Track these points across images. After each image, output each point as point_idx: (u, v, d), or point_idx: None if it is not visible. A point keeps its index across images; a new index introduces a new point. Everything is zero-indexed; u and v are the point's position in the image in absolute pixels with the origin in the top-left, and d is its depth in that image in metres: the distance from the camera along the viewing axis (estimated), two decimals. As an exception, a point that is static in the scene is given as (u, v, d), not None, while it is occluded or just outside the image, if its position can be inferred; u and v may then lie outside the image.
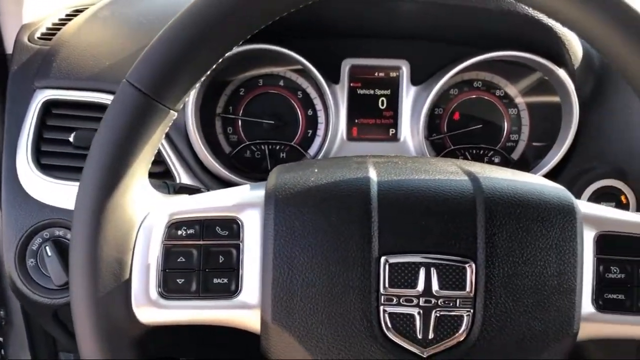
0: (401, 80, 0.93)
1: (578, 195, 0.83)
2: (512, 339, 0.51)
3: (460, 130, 0.94)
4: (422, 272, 0.50)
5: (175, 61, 0.50)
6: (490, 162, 0.95)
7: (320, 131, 0.93)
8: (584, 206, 0.55)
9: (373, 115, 0.94)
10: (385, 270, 0.50)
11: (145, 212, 0.53)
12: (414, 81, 0.93)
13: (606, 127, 0.85)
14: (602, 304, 0.54)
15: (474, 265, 0.50)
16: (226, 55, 0.53)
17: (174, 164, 0.85)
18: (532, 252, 0.51)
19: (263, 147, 0.93)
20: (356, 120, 0.94)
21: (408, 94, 0.93)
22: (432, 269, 0.50)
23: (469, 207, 0.52)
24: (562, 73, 0.84)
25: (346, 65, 0.92)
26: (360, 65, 0.92)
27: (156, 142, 0.53)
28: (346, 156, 0.65)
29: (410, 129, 0.93)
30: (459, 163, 0.59)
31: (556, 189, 0.55)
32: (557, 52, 0.84)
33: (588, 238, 0.54)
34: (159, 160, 0.86)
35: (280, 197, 0.52)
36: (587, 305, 0.53)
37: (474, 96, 0.95)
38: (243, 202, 0.54)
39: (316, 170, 0.55)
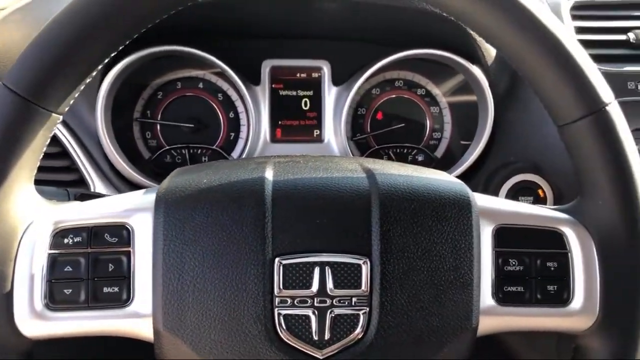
0: (323, 81, 0.92)
1: (496, 191, 0.84)
2: (410, 336, 0.50)
3: (383, 129, 0.94)
4: (316, 272, 0.49)
5: (52, 62, 0.48)
6: (414, 160, 0.96)
7: (243, 133, 0.92)
8: (482, 200, 0.55)
9: (296, 117, 0.93)
10: (279, 271, 0.49)
11: (29, 221, 0.51)
12: (335, 81, 0.92)
13: (522, 123, 0.86)
14: (502, 297, 0.54)
15: (369, 263, 0.50)
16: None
17: (88, 172, 0.82)
18: (427, 247, 0.51)
19: (184, 152, 0.91)
20: (280, 122, 0.93)
21: (330, 94, 0.92)
22: (326, 268, 0.49)
23: (364, 204, 0.51)
24: (476, 70, 0.85)
25: (267, 67, 0.91)
26: (281, 66, 0.92)
27: (39, 147, 0.50)
28: (250, 157, 0.64)
29: (333, 130, 0.92)
30: (361, 161, 0.58)
31: (453, 184, 0.55)
32: (471, 50, 0.85)
33: (487, 231, 0.54)
34: (72, 167, 0.83)
35: (170, 200, 0.51)
36: (487, 299, 0.53)
37: (395, 95, 0.95)
38: (133, 207, 0.52)
39: (211, 172, 0.54)
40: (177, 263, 0.49)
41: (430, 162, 0.95)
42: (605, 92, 0.52)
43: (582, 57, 0.51)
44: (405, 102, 0.95)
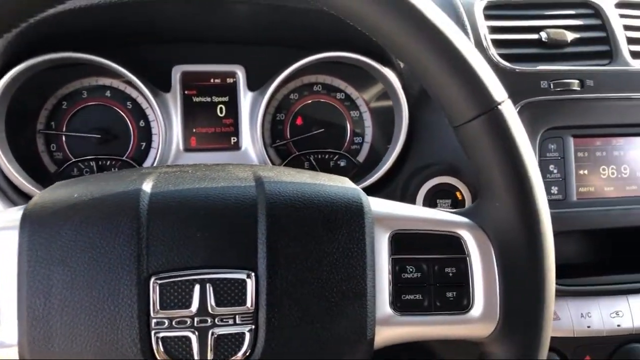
0: (238, 86, 0.89)
1: (414, 195, 0.83)
2: (301, 351, 0.48)
3: (303, 135, 0.92)
4: (196, 290, 0.46)
5: None
6: (336, 165, 0.93)
7: (155, 143, 0.88)
8: (378, 205, 0.53)
9: (212, 124, 0.90)
10: (156, 291, 0.46)
11: None
12: (251, 86, 0.89)
13: (437, 124, 0.85)
14: (400, 305, 0.52)
15: (254, 277, 0.47)
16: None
17: (-17, 188, 0.77)
18: (318, 257, 0.49)
19: (92, 164, 0.87)
20: (194, 130, 0.89)
21: (246, 100, 0.89)
22: (207, 285, 0.46)
23: (250, 214, 0.48)
24: (389, 73, 0.84)
25: (177, 72, 0.87)
26: (193, 72, 0.88)
27: None
28: (135, 168, 0.60)
29: (250, 136, 0.89)
30: (255, 169, 0.55)
31: (346, 190, 0.53)
32: (384, 52, 0.83)
33: (383, 238, 0.52)
34: (-34, 184, 0.77)
35: (36, 217, 0.47)
36: (385, 308, 0.51)
37: (314, 100, 0.93)
38: (-4, 226, 0.48)
39: (85, 185, 0.50)
40: (44, 286, 0.45)
41: (353, 167, 0.93)
42: (497, 91, 0.50)
43: (474, 57, 0.50)
44: (324, 106, 0.93)
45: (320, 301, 0.48)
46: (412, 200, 0.82)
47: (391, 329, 0.52)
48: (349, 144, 0.94)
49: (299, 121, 0.93)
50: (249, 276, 0.47)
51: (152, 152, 0.88)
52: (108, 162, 0.87)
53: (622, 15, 0.88)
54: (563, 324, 0.83)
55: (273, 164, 0.89)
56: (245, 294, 0.47)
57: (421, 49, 0.49)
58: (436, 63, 0.49)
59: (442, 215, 0.54)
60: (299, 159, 0.93)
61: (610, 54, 0.86)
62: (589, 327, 0.84)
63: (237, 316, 0.46)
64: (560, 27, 0.86)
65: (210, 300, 0.46)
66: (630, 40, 0.87)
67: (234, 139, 0.90)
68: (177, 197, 0.49)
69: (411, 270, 0.52)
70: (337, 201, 0.51)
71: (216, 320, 0.46)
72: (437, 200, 0.83)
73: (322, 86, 0.93)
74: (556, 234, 0.81)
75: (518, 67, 0.82)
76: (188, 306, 0.46)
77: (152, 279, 0.46)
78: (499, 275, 0.52)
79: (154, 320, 0.46)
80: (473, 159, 0.53)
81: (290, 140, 0.92)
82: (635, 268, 0.85)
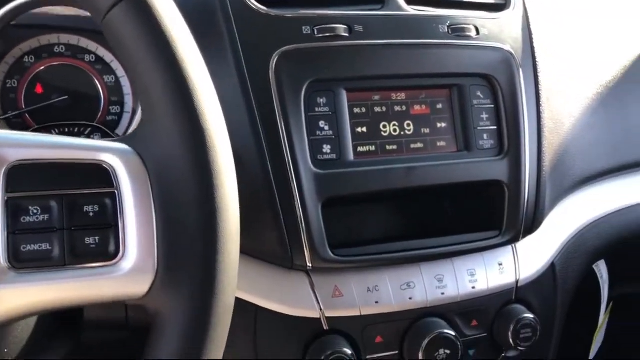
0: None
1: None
2: None
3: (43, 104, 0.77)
4: None
5: None
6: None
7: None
8: None
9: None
10: None
11: None
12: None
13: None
14: (19, 259, 0.38)
15: None
16: None
17: None
18: None
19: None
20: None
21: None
22: None
23: None
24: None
25: None
26: None
27: None
28: None
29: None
30: None
31: None
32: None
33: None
34: None
35: None
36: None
37: (57, 63, 0.78)
38: None
39: None
40: None
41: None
42: None
43: None
44: (70, 71, 0.79)
45: None
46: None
47: (7, 291, 0.37)
48: (103, 115, 0.80)
49: (38, 89, 0.78)
50: None
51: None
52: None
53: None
54: (347, 301, 0.73)
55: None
56: None
57: None
58: None
59: (82, 141, 0.41)
60: (41, 132, 0.77)
61: (382, -2, 0.78)
62: (377, 302, 0.74)
63: None
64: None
65: None
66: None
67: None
68: None
69: (35, 211, 0.39)
70: None
71: None
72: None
73: (65, 47, 0.79)
74: (332, 198, 0.72)
75: (274, 12, 0.72)
76: None
77: None
78: (156, 214, 0.40)
79: None
80: (126, 63, 0.41)
81: (26, 111, 0.76)
82: (427, 233, 0.77)
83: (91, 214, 0.39)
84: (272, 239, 0.69)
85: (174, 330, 0.39)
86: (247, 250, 0.71)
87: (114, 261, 0.39)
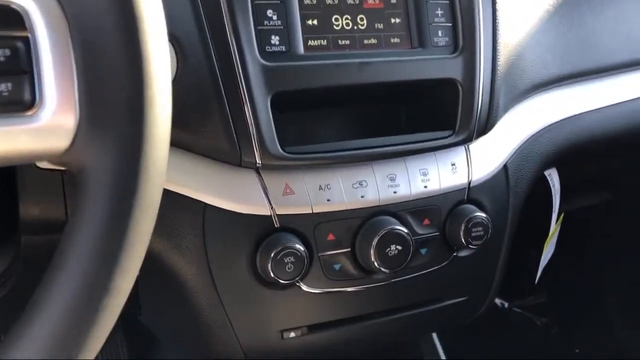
0: None
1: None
2: None
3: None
4: None
5: None
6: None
7: None
8: None
9: None
10: None
11: None
12: None
13: None
14: None
15: None
16: None
17: None
18: None
19: None
20: None
21: None
22: None
23: None
24: None
25: None
26: None
27: None
28: None
29: None
30: None
31: None
32: None
33: None
34: None
35: None
36: None
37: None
38: None
39: None
40: None
41: None
42: None
43: None
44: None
45: None
46: None
47: None
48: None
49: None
50: None
51: None
52: None
53: None
54: (298, 199, 0.71)
55: None
56: None
57: None
58: None
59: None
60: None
61: None
62: (328, 200, 0.72)
63: None
64: None
65: None
66: None
67: None
68: None
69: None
70: None
71: None
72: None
73: None
74: (281, 93, 0.69)
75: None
76: None
77: None
78: (75, 59, 0.37)
79: None
80: None
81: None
82: (380, 133, 0.75)
83: (2, 59, 0.36)
84: (218, 134, 0.66)
85: (100, 187, 0.36)
86: (193, 146, 0.68)
87: (31, 112, 0.36)
